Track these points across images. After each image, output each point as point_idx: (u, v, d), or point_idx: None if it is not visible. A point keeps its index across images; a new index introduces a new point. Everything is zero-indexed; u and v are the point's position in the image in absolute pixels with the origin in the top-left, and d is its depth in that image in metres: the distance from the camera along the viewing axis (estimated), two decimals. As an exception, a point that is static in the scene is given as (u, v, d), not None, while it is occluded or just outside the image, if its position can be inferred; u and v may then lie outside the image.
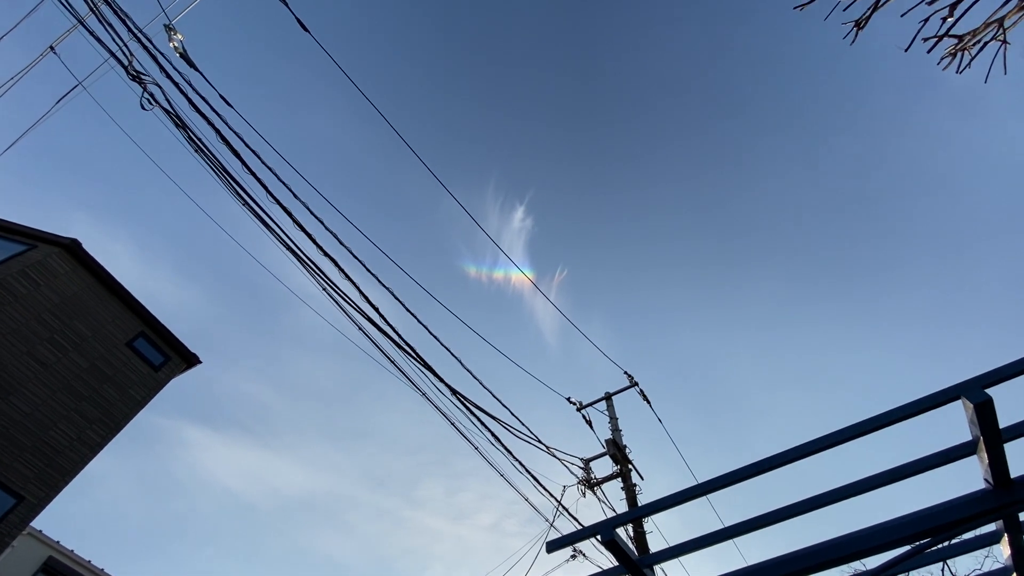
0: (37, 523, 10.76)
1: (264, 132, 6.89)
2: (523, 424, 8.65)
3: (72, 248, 10.00)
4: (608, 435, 9.45)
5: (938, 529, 2.37)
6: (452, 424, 8.34)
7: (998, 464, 2.31)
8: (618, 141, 36.73)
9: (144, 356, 10.55)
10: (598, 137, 37.27)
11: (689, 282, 38.26)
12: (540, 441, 8.75)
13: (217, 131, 6.33)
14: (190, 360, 11.57)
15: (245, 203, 6.84)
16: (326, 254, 7.20)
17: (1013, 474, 2.36)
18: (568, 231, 39.97)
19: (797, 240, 34.87)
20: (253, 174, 6.69)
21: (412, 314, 7.90)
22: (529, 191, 38.89)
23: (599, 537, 2.94)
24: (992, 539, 2.79)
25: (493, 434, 8.41)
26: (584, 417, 9.23)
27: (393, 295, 7.75)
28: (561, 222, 40.01)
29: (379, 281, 7.66)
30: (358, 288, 7.35)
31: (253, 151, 6.78)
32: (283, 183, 6.92)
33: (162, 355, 11.04)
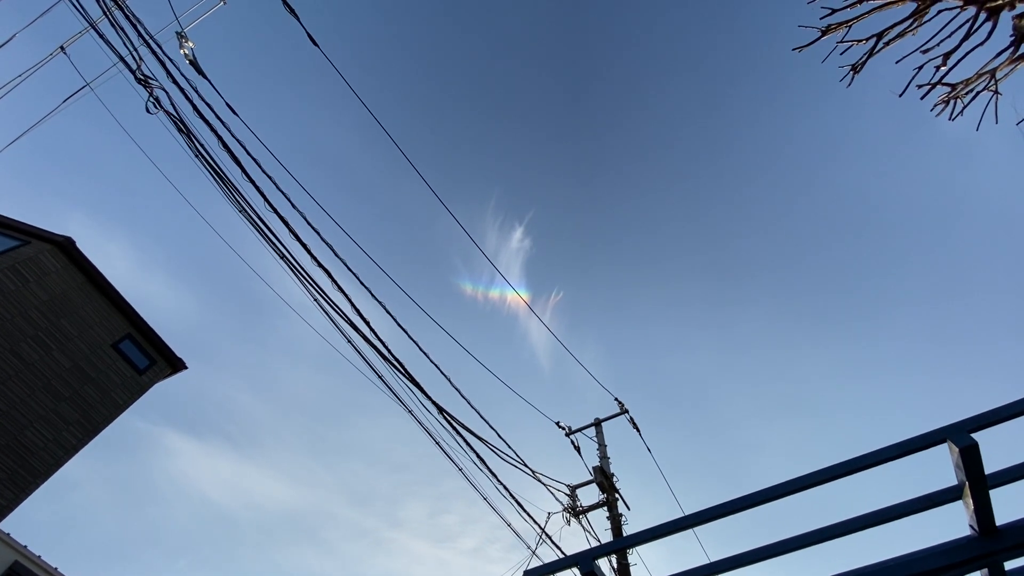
0: (4, 525, 10.43)
1: (267, 141, 6.95)
2: (509, 447, 8.54)
3: (65, 246, 9.94)
4: (596, 462, 9.33)
5: None
6: (437, 443, 8.22)
7: (983, 511, 2.28)
8: (618, 170, 37.25)
9: (129, 359, 10.41)
10: (600, 163, 37.79)
11: (685, 308, 38.38)
12: (526, 465, 8.63)
13: (219, 138, 6.37)
14: (176, 365, 11.41)
15: (243, 211, 6.84)
16: (320, 265, 7.18)
17: (999, 522, 2.33)
18: (566, 254, 40.19)
19: (792, 271, 35.16)
20: (252, 182, 6.71)
21: (403, 329, 7.86)
22: (529, 212, 39.11)
23: (579, 568, 2.87)
24: (977, 588, 2.74)
25: (478, 455, 8.29)
26: (572, 443, 9.13)
27: (385, 309, 7.72)
28: (559, 245, 40.25)
29: (371, 294, 7.64)
30: (350, 300, 7.31)
31: (254, 159, 6.80)
32: (282, 192, 6.94)
33: (148, 358, 10.89)
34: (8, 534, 10.59)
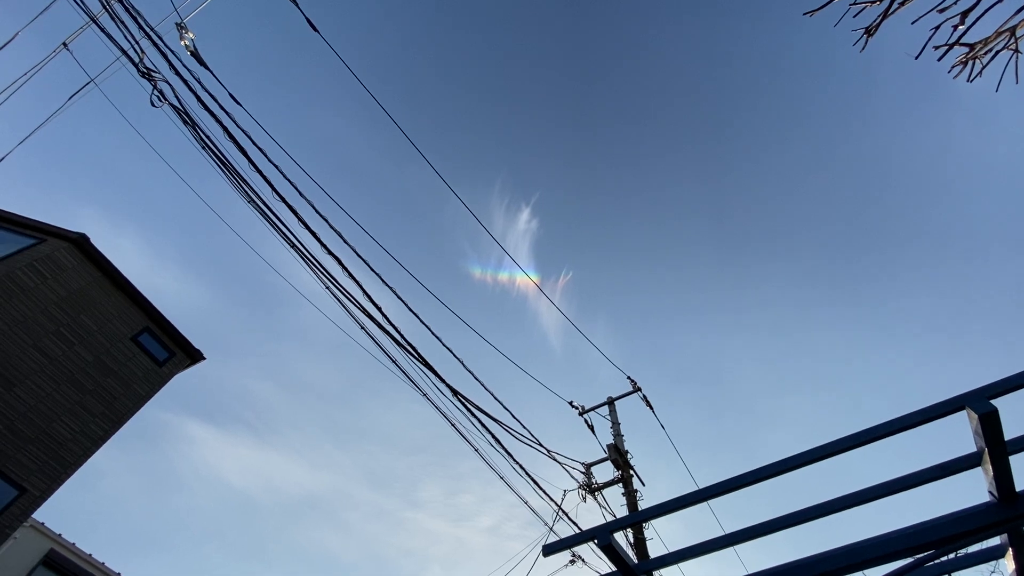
0: (39, 515, 10.81)
1: (272, 130, 6.93)
2: (524, 427, 8.62)
3: (80, 242, 10.08)
4: (610, 440, 9.41)
5: (941, 542, 2.33)
6: (452, 425, 8.33)
7: (1003, 477, 2.27)
8: (625, 145, 36.73)
9: (148, 351, 10.61)
10: (605, 141, 37.27)
11: (695, 286, 38.12)
12: (541, 444, 8.72)
13: (224, 128, 6.37)
14: (194, 356, 11.62)
15: (251, 201, 6.87)
16: (330, 252, 7.21)
17: (1019, 487, 2.33)
18: (573, 234, 39.96)
19: (804, 244, 34.70)
20: (259, 172, 6.72)
21: (415, 314, 7.91)
22: (535, 193, 38.88)
23: (596, 542, 2.91)
24: (997, 553, 2.75)
25: (494, 436, 8.39)
26: (586, 421, 9.20)
27: (396, 295, 7.76)
28: (567, 225, 40.01)
29: (382, 280, 7.67)
30: (361, 287, 7.36)
31: (260, 149, 6.81)
32: (289, 181, 6.95)
33: (166, 350, 11.09)
34: (43, 523, 10.98)
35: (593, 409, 9.35)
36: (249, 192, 6.80)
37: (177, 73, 6.17)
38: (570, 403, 9.24)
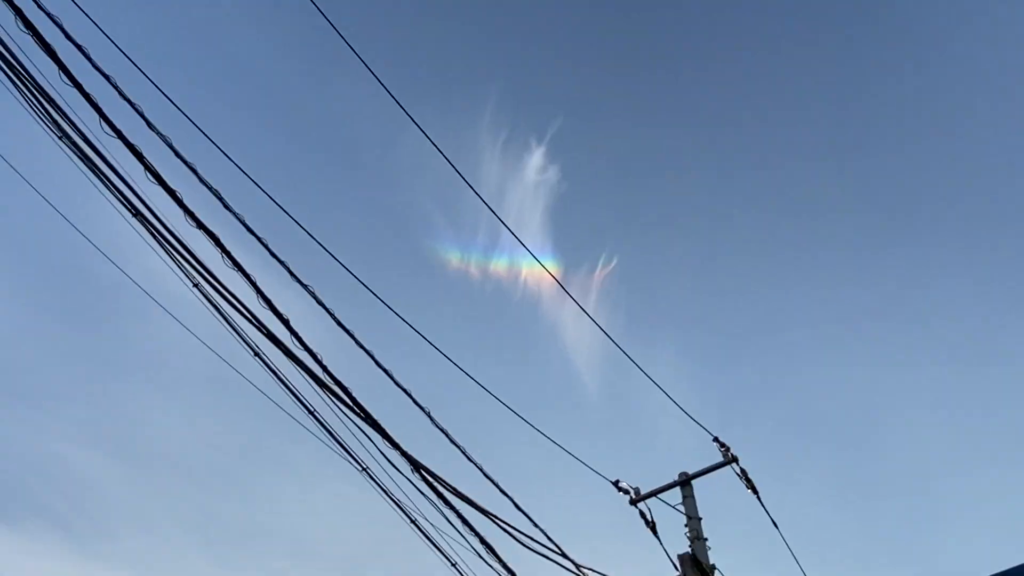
0: None
1: (109, 31, 4.01)
2: (535, 524, 5.13)
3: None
4: (683, 545, 5.77)
5: None
6: (412, 522, 5.05)
7: None
8: (701, 45, 22.39)
9: None
10: (670, 37, 22.45)
11: (816, 283, 23.20)
12: (566, 556, 5.23)
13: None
14: None
15: (55, 129, 4.13)
16: (201, 225, 4.45)
17: None
18: (616, 194, 23.37)
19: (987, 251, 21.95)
20: (71, 79, 3.93)
21: (346, 330, 4.81)
22: (553, 122, 22.37)
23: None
24: None
25: (483, 540, 5.03)
26: (643, 515, 5.69)
27: (314, 296, 4.82)
28: (604, 179, 23.33)
29: (290, 272, 4.69)
30: (252, 281, 4.57)
31: (78, 46, 4.04)
32: (119, 93, 4.11)
33: None
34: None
35: (654, 494, 5.80)
36: (44, 104, 4.07)
37: None
38: (615, 483, 5.74)
